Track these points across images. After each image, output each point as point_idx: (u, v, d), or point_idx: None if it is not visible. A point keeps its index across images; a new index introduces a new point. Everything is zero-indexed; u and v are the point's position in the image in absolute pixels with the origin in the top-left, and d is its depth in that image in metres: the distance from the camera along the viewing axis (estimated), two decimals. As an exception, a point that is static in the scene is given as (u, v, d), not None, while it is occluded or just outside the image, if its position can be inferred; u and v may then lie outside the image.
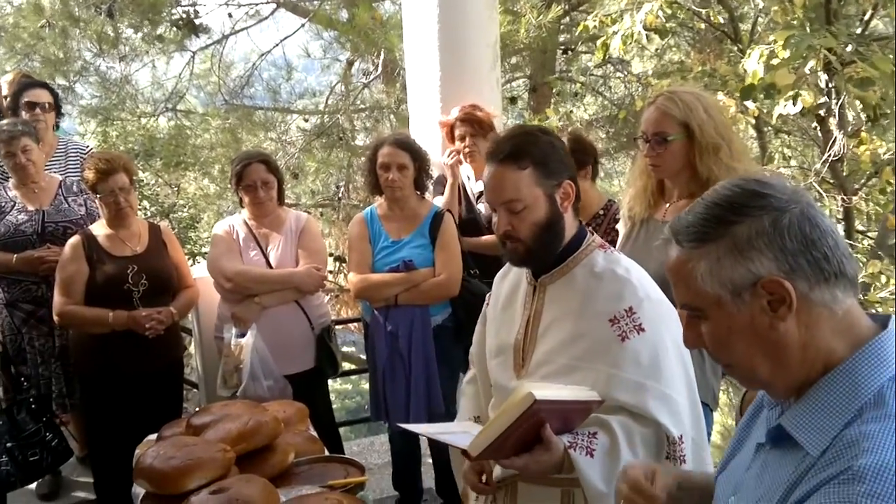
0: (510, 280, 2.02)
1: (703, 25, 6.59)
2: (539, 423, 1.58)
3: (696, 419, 1.80)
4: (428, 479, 3.81)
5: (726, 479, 1.24)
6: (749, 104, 4.34)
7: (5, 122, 3.71)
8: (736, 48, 5.68)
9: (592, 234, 1.92)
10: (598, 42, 5.29)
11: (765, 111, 4.60)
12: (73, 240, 3.36)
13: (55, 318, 3.34)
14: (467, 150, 3.75)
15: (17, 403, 3.14)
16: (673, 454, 1.72)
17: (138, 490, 2.17)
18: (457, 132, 3.78)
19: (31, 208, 3.65)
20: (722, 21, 5.93)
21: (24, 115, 3.95)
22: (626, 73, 9.13)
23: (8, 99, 4.19)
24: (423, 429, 1.90)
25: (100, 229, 3.42)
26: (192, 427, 2.28)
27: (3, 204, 3.65)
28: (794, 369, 1.07)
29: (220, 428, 2.16)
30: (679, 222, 1.13)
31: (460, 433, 1.67)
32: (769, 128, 6.40)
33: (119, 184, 3.30)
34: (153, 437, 2.51)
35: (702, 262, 1.08)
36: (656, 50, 9.59)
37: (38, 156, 3.71)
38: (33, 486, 3.72)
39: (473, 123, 3.73)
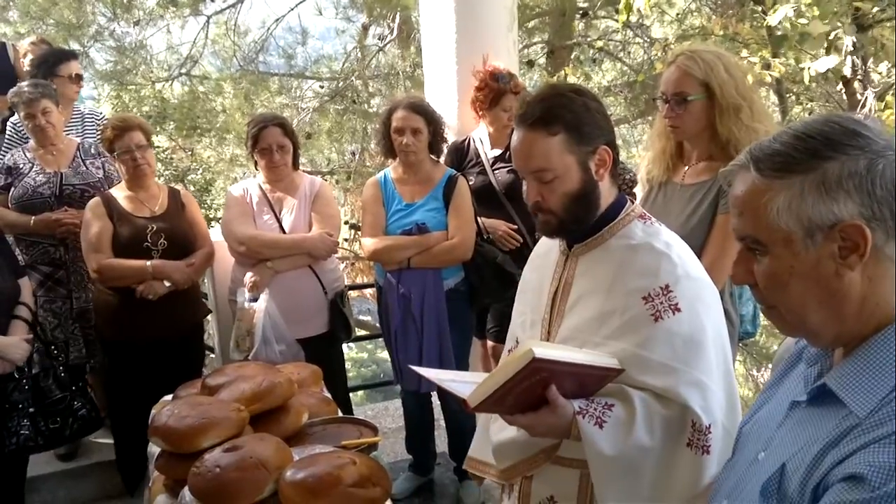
0: (544, 245, 1.92)
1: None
2: (544, 383, 1.52)
3: (731, 409, 1.67)
4: (441, 443, 3.84)
5: (754, 433, 1.20)
6: (775, 63, 4.25)
7: (25, 84, 3.71)
8: (759, 10, 5.57)
9: (633, 202, 1.78)
10: (622, 2, 5.20)
11: (790, 69, 4.50)
12: (94, 201, 3.39)
13: (93, 274, 3.37)
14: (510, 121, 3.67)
15: (44, 370, 3.16)
16: (696, 442, 1.59)
17: (154, 449, 2.19)
18: (504, 101, 3.63)
19: (49, 170, 3.66)
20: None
21: (58, 85, 3.98)
22: (645, 38, 8.99)
23: (34, 64, 4.22)
24: (434, 374, 1.78)
25: (119, 191, 3.44)
26: (207, 387, 2.29)
27: (21, 166, 3.66)
28: (849, 322, 1.03)
29: (235, 388, 2.16)
30: (762, 149, 1.06)
31: (470, 383, 1.61)
32: (791, 94, 6.30)
33: (135, 140, 3.32)
34: (169, 397, 2.53)
35: (781, 194, 1.02)
36: (677, 14, 9.43)
37: (58, 118, 3.72)
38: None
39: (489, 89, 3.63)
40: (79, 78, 4.24)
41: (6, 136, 4.09)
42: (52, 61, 4.13)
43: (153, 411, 2.42)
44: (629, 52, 9.77)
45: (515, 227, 3.59)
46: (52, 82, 4.01)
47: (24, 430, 3.05)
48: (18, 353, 3.02)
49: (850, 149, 1.00)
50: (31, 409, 3.07)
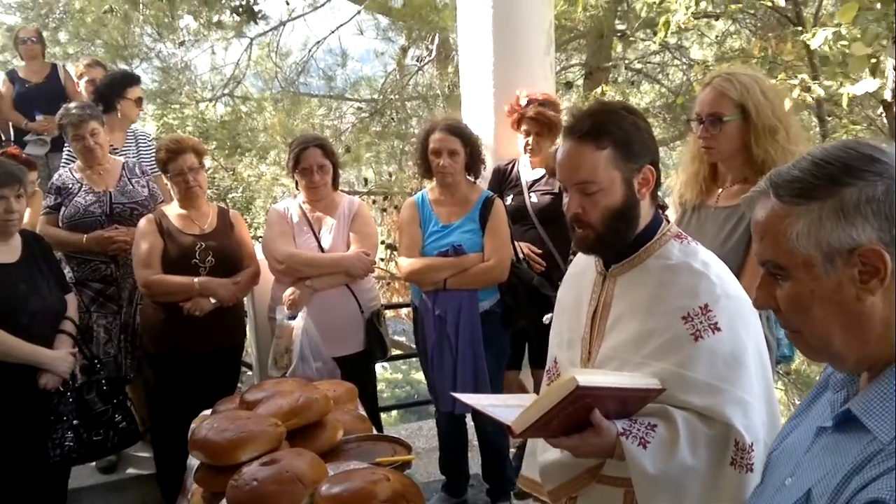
0: (579, 265, 1.94)
1: (765, 8, 6.43)
2: (588, 407, 1.54)
3: (773, 426, 1.66)
4: (474, 464, 3.83)
5: (782, 458, 1.21)
6: (815, 87, 4.21)
7: (73, 106, 3.84)
8: (799, 30, 5.53)
9: (668, 222, 1.80)
10: (661, 20, 5.20)
11: (830, 92, 4.45)
12: (146, 218, 3.49)
13: (142, 289, 3.46)
14: (529, 146, 3.73)
15: (87, 383, 3.25)
16: (740, 461, 1.60)
17: (193, 462, 2.24)
18: (523, 126, 3.75)
19: (98, 190, 3.76)
20: (784, 3, 5.77)
21: (122, 108, 4.23)
22: (684, 60, 8.96)
23: (103, 84, 4.42)
24: (475, 399, 1.79)
25: (171, 209, 3.54)
26: (246, 402, 2.34)
27: (70, 186, 3.77)
28: (872, 345, 1.03)
29: (272, 403, 2.21)
30: (781, 175, 1.08)
31: (514, 406, 1.62)
32: (833, 117, 6.23)
33: (188, 163, 3.41)
34: (208, 412, 2.58)
35: (800, 220, 1.04)
36: (716, 37, 9.39)
37: (105, 139, 3.84)
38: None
39: (543, 124, 3.68)
40: (140, 101, 4.41)
41: (63, 157, 4.23)
42: (120, 83, 4.31)
43: (193, 425, 2.47)
44: (667, 74, 9.75)
45: (540, 251, 3.61)
46: (118, 104, 4.17)
47: (68, 442, 3.12)
48: (64, 366, 3.12)
49: (867, 174, 1.01)
50: (76, 422, 3.15)
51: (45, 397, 3.09)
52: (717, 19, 8.53)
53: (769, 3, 5.89)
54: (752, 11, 7.68)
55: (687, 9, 5.13)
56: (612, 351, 1.72)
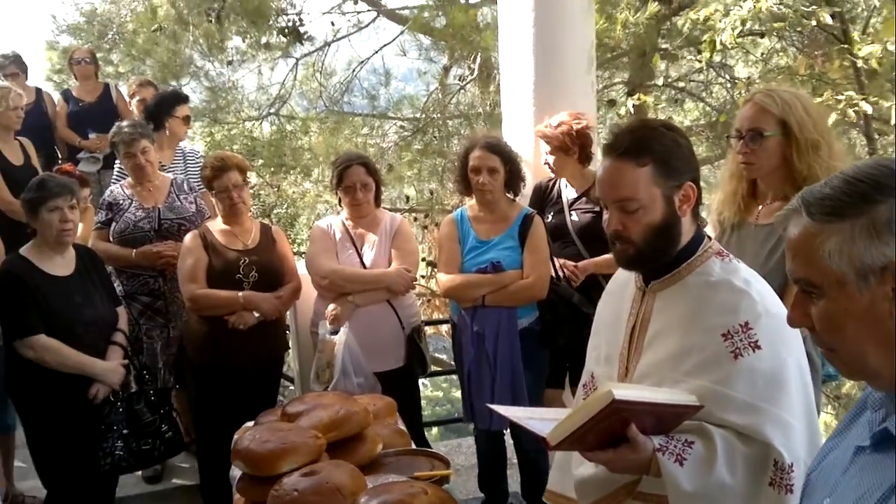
0: (619, 281, 1.93)
1: (811, 25, 6.35)
2: (624, 421, 1.53)
3: (813, 447, 1.62)
4: (513, 482, 3.82)
5: (821, 479, 1.20)
6: (862, 104, 4.15)
7: (125, 124, 3.97)
8: (845, 48, 5.46)
9: (710, 239, 1.79)
10: (705, 38, 5.18)
11: (881, 108, 4.38)
12: (192, 233, 3.58)
13: (187, 303, 3.54)
14: (550, 166, 3.74)
15: (136, 394, 3.34)
16: (779, 481, 1.58)
17: (235, 472, 2.28)
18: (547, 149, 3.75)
19: (147, 206, 3.88)
20: (830, 21, 5.70)
21: (171, 125, 4.39)
22: (728, 77, 8.88)
23: (153, 102, 4.59)
24: (511, 411, 1.81)
25: (215, 225, 3.62)
26: (287, 415, 2.39)
27: (121, 202, 3.90)
28: None
29: (313, 416, 2.25)
30: (813, 193, 1.08)
31: (550, 420, 1.62)
32: (881, 135, 6.12)
33: (232, 180, 3.50)
34: (251, 423, 2.63)
35: (833, 238, 1.04)
36: (762, 54, 9.29)
37: (155, 157, 3.96)
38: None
39: (556, 145, 3.67)
40: (188, 119, 4.55)
41: (114, 174, 4.37)
42: (169, 102, 4.46)
43: (235, 436, 2.52)
44: (711, 92, 9.66)
45: (578, 264, 3.60)
46: (166, 122, 4.30)
47: (118, 451, 3.21)
48: (116, 377, 3.21)
49: None
50: (125, 431, 3.24)
51: (96, 406, 3.18)
52: (762, 37, 8.45)
53: (815, 21, 5.83)
54: (799, 29, 7.60)
55: (733, 29, 5.10)
56: (649, 367, 1.72)
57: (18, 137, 4.84)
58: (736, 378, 1.60)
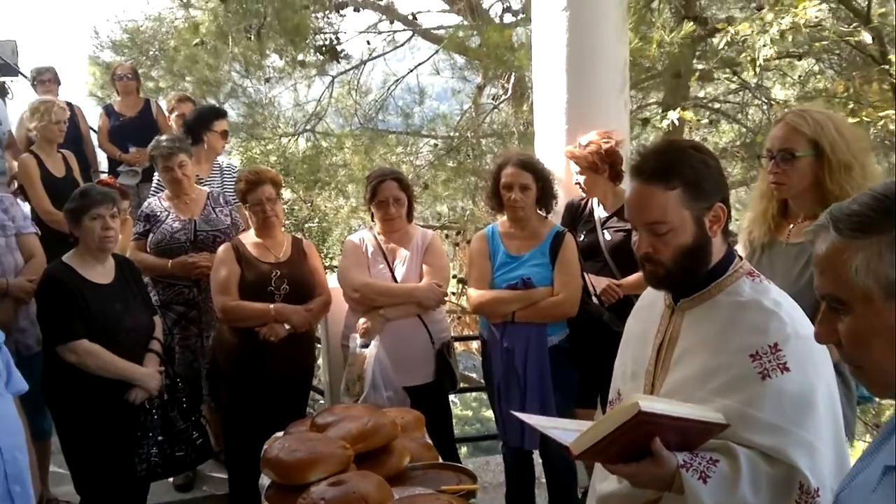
0: (648, 298, 1.93)
1: (850, 48, 6.29)
2: (649, 435, 1.53)
3: (841, 473, 1.58)
4: (541, 501, 3.80)
5: (850, 499, 1.19)
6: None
7: (164, 138, 4.07)
8: (885, 69, 5.39)
9: (741, 259, 1.79)
10: (744, 56, 5.13)
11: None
12: (225, 246, 3.64)
13: (219, 314, 3.59)
14: (581, 185, 3.75)
15: (170, 401, 3.39)
16: None
17: (264, 481, 2.31)
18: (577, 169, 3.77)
19: (184, 218, 3.96)
20: (870, 42, 5.63)
21: (209, 140, 4.50)
22: (764, 99, 8.81)
23: (193, 117, 4.72)
24: (536, 420, 1.81)
25: (247, 238, 3.68)
26: (316, 425, 2.41)
27: (158, 213, 3.98)
28: None
29: (342, 427, 2.27)
30: (841, 210, 1.09)
31: (573, 430, 1.62)
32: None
33: (266, 194, 3.56)
34: (280, 433, 2.66)
35: (860, 254, 1.04)
36: (799, 76, 9.21)
37: (192, 171, 4.05)
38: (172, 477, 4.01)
39: (590, 169, 3.66)
40: (226, 134, 4.64)
41: (153, 186, 4.47)
42: (208, 117, 4.56)
43: (265, 445, 2.55)
44: (747, 114, 9.59)
45: (619, 282, 3.59)
46: (204, 136, 4.40)
47: (154, 458, 3.26)
48: (154, 383, 3.27)
49: None
50: (160, 438, 3.29)
51: (131, 413, 3.24)
52: (800, 59, 8.38)
53: (854, 42, 5.78)
54: (837, 52, 7.53)
55: (773, 41, 5.04)
56: (675, 385, 1.71)
57: (61, 150, 4.99)
58: (763, 399, 1.59)
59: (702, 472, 1.57)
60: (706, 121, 8.79)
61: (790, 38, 4.73)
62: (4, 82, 6.44)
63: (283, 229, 3.82)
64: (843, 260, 1.06)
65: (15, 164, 5.08)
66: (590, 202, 3.80)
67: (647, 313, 1.89)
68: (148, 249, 3.93)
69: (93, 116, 6.84)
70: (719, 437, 1.60)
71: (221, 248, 3.64)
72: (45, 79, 6.21)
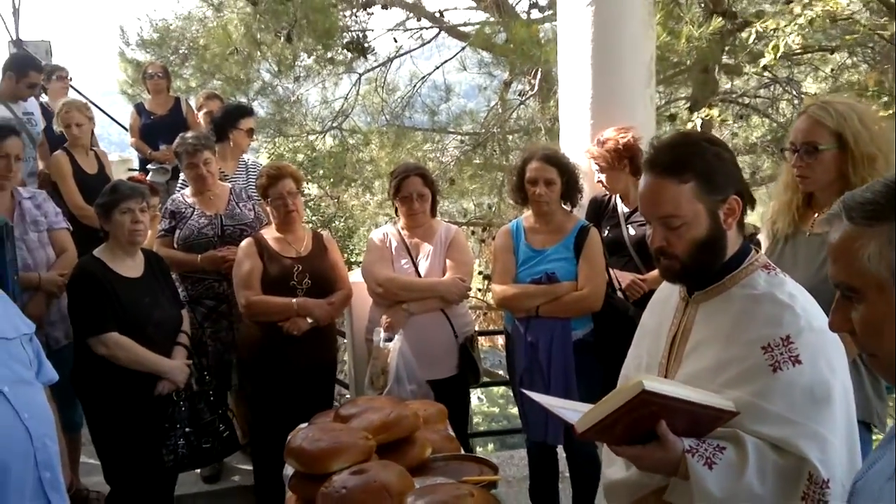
0: (664, 291, 1.93)
1: (884, 40, 6.18)
2: (655, 417, 1.53)
3: (853, 466, 1.58)
4: (565, 496, 3.80)
5: (866, 488, 1.18)
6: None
7: (189, 135, 4.13)
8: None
9: (757, 251, 1.78)
10: (770, 45, 5.07)
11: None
12: (247, 241, 3.68)
13: (242, 309, 3.63)
14: (604, 186, 3.74)
15: (198, 393, 3.45)
16: (812, 496, 1.53)
17: (288, 471, 2.34)
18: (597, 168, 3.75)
19: (209, 213, 4.01)
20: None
21: (235, 137, 4.54)
22: (794, 92, 8.71)
23: (219, 114, 4.77)
24: (545, 399, 1.83)
25: (269, 233, 3.72)
26: (340, 417, 2.44)
27: (183, 210, 4.04)
28: None
29: (364, 418, 2.29)
30: (854, 198, 1.09)
31: (581, 412, 1.62)
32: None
33: (287, 188, 3.60)
34: (304, 425, 2.69)
35: (872, 242, 1.04)
36: (832, 70, 9.08)
37: (215, 167, 4.09)
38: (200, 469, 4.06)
39: (611, 166, 3.65)
40: (251, 132, 4.69)
41: (179, 184, 4.53)
42: (235, 115, 4.62)
43: (290, 436, 2.58)
44: (778, 108, 9.48)
45: (644, 277, 3.57)
46: (230, 134, 4.45)
47: (181, 449, 3.31)
48: (182, 376, 3.33)
49: None
50: (188, 429, 3.34)
51: (160, 405, 3.30)
52: (832, 52, 8.25)
53: (886, 36, 5.68)
54: (871, 45, 7.41)
55: (801, 28, 4.96)
56: (688, 378, 1.70)
57: (94, 148, 5.08)
58: (773, 391, 1.58)
59: (707, 459, 1.56)
60: (732, 121, 8.70)
61: (818, 27, 4.65)
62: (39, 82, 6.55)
63: (303, 224, 3.85)
64: (855, 248, 1.06)
65: (41, 163, 5.20)
66: (613, 197, 3.78)
67: (662, 306, 1.89)
68: (175, 245, 3.98)
69: (124, 114, 6.95)
70: (728, 425, 1.60)
71: (244, 243, 3.68)
72: (59, 76, 6.31)
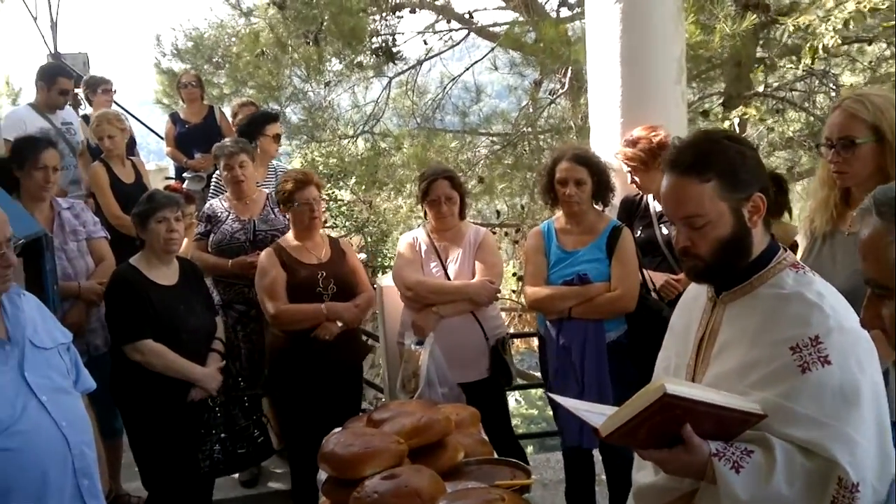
0: (693, 291, 1.91)
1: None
2: (680, 420, 1.51)
3: (884, 469, 1.56)
4: (602, 499, 3.77)
5: None
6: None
7: (228, 140, 4.19)
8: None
9: (785, 250, 1.74)
10: (807, 46, 4.98)
11: None
12: (267, 251, 3.67)
13: (270, 319, 3.65)
14: (638, 186, 3.70)
15: (232, 399, 3.49)
16: (841, 500, 1.50)
17: (322, 475, 2.35)
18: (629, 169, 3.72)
19: (244, 218, 4.06)
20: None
21: (262, 143, 4.60)
22: (832, 86, 8.53)
23: (246, 121, 4.84)
24: (570, 402, 1.82)
25: (287, 241, 3.73)
26: (373, 421, 2.44)
27: (219, 214, 4.10)
28: None
29: (396, 422, 2.30)
30: (885, 193, 1.07)
31: (606, 415, 1.61)
32: None
33: (314, 195, 3.63)
34: (338, 429, 2.70)
35: None
36: (869, 62, 8.88)
37: (252, 172, 4.14)
38: (237, 473, 4.11)
39: (643, 167, 3.61)
40: (278, 137, 4.75)
41: (211, 188, 4.60)
42: (261, 121, 4.68)
43: (323, 441, 2.60)
44: (815, 102, 9.29)
45: (678, 277, 3.52)
46: (257, 140, 4.51)
47: (216, 454, 3.36)
48: (214, 383, 3.37)
49: None
50: (223, 435, 3.39)
51: (195, 410, 3.34)
52: (869, 44, 8.07)
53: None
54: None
55: (836, 31, 4.88)
56: (716, 379, 1.68)
57: (131, 157, 5.17)
58: (802, 392, 1.55)
59: (735, 462, 1.54)
60: (768, 118, 8.55)
61: (852, 27, 4.55)
62: (78, 93, 6.69)
63: (321, 231, 3.87)
64: (884, 244, 1.04)
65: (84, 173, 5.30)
66: (645, 197, 3.74)
67: (690, 307, 1.87)
68: (209, 249, 4.03)
69: (161, 124, 7.06)
70: (756, 428, 1.57)
71: (264, 254, 3.66)
72: (103, 89, 6.42)
